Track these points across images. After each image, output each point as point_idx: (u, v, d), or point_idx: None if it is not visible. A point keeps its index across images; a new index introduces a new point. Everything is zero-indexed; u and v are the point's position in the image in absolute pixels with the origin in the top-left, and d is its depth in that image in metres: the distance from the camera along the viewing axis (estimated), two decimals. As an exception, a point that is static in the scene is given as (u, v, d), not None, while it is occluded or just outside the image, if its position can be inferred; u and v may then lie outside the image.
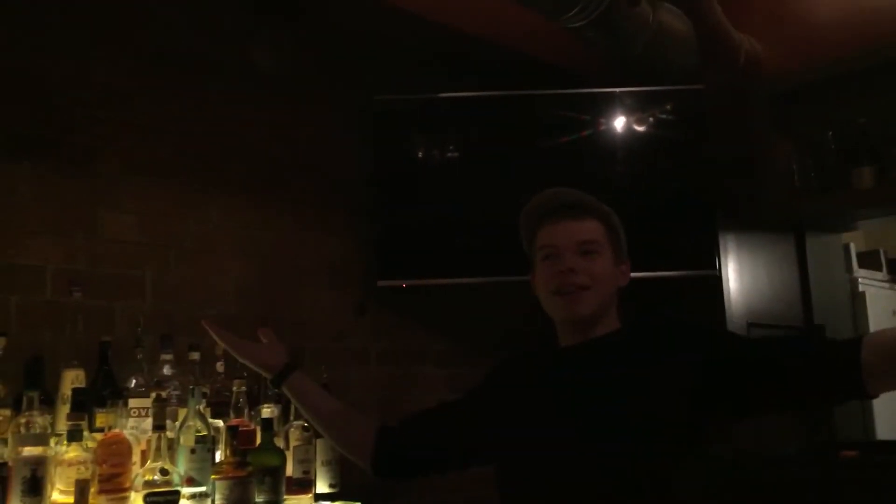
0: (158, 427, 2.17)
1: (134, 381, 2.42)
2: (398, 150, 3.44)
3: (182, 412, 2.39)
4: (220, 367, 2.61)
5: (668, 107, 3.56)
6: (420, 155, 3.51)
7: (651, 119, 3.56)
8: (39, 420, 2.07)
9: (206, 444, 2.27)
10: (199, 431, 2.29)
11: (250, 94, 3.06)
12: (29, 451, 2.00)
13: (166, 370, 2.49)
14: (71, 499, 2.00)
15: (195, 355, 2.55)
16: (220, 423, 2.41)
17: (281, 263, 3.04)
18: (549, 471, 1.60)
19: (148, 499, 2.08)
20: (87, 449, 2.07)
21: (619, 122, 3.54)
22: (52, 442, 2.11)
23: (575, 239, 1.70)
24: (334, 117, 3.28)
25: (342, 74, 3.32)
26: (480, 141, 3.51)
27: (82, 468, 2.04)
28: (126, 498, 2.09)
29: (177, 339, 2.52)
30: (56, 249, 2.52)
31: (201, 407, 2.35)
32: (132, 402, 2.30)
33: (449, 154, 3.53)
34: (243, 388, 2.54)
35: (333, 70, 3.31)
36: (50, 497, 2.02)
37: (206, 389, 2.46)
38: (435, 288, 3.28)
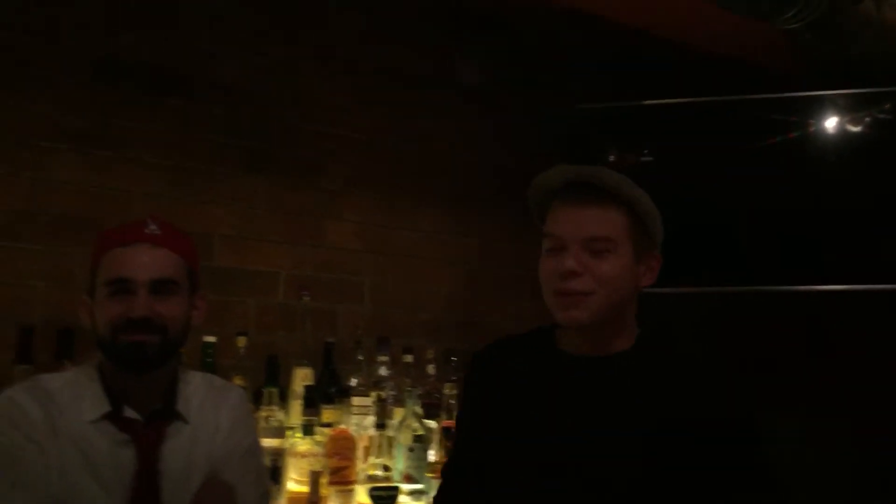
0: (381, 426, 2.32)
1: (354, 380, 2.60)
2: (597, 159, 3.44)
3: (397, 412, 2.53)
4: (430, 369, 2.75)
5: (889, 106, 3.34)
6: (617, 162, 3.50)
7: (868, 120, 3.35)
8: (279, 414, 2.26)
9: (423, 443, 2.40)
10: (416, 431, 2.42)
11: (455, 107, 3.17)
12: (269, 442, 2.19)
13: (382, 371, 2.65)
14: (305, 488, 2.17)
15: (409, 358, 2.70)
16: (433, 423, 2.53)
17: (485, 272, 3.13)
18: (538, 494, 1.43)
19: (372, 492, 2.22)
20: (318, 442, 2.24)
21: (832, 125, 3.36)
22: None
23: (584, 233, 1.41)
24: (536, 127, 3.34)
25: (542, 84, 3.37)
26: (682, 147, 3.44)
27: (313, 460, 2.21)
28: (352, 490, 2.25)
29: (392, 342, 2.68)
30: (287, 257, 2.74)
31: (417, 408, 2.48)
32: (355, 401, 2.47)
33: (647, 161, 3.50)
34: (454, 391, 2.66)
35: (534, 80, 3.36)
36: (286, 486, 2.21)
37: (419, 391, 2.58)
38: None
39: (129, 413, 1.58)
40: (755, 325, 3.22)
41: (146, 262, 1.58)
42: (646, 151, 3.59)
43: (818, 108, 3.34)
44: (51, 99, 2.41)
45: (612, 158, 3.61)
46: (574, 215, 1.43)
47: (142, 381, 1.60)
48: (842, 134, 3.34)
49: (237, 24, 2.74)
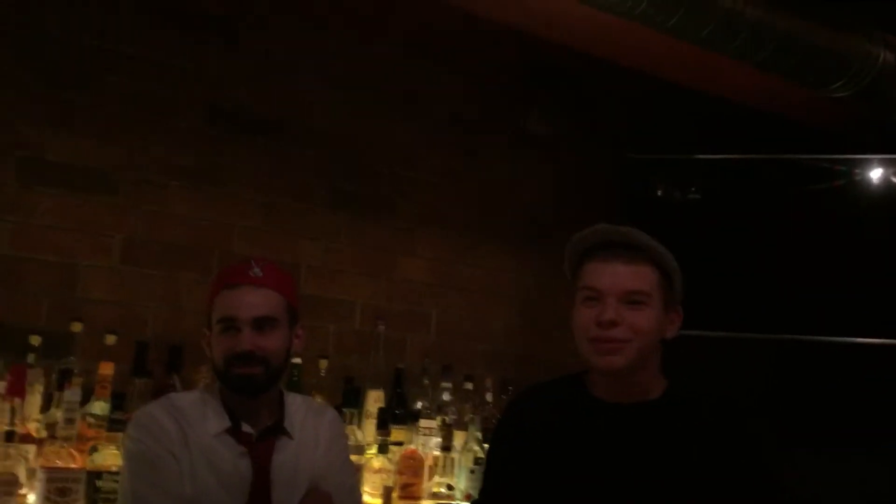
0: (446, 448, 2.57)
1: (420, 403, 2.86)
2: (648, 207, 3.67)
3: (459, 435, 2.78)
4: (489, 397, 3.00)
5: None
6: (667, 212, 3.72)
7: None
8: (358, 434, 2.53)
9: (482, 465, 2.64)
10: (476, 454, 2.67)
11: (517, 151, 3.45)
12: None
13: (445, 396, 2.90)
14: (378, 501, 2.44)
15: (469, 385, 2.96)
16: (490, 447, 2.78)
17: (542, 307, 3.38)
18: None
19: (437, 508, 2.48)
20: (390, 460, 2.50)
21: (872, 182, 3.56)
22: (362, 451, 2.57)
23: (622, 287, 1.55)
24: (592, 175, 3.58)
25: (600, 135, 3.62)
26: (728, 200, 3.66)
27: (386, 476, 2.47)
28: (419, 505, 2.51)
29: (454, 370, 2.94)
30: (364, 287, 3.03)
31: (478, 432, 2.73)
32: (422, 423, 2.73)
33: (696, 211, 3.72)
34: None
35: (592, 130, 3.61)
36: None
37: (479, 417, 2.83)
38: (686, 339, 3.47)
39: (246, 428, 1.84)
40: (793, 373, 3.41)
41: (249, 303, 1.81)
42: (693, 189, 3.82)
43: (859, 165, 3.55)
44: (165, 141, 2.72)
45: (659, 193, 3.84)
46: (612, 270, 1.57)
47: (253, 403, 1.86)
48: (883, 190, 3.53)
49: (325, 74, 3.02)
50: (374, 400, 2.76)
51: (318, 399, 2.60)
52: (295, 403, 1.96)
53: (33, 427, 2.20)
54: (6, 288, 2.42)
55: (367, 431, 2.69)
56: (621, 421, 1.59)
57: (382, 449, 2.48)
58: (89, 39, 2.57)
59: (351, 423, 2.54)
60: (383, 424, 2.56)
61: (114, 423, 2.13)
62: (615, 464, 1.56)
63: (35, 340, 2.30)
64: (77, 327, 2.40)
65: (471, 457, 2.66)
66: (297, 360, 2.66)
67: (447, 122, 3.29)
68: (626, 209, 3.61)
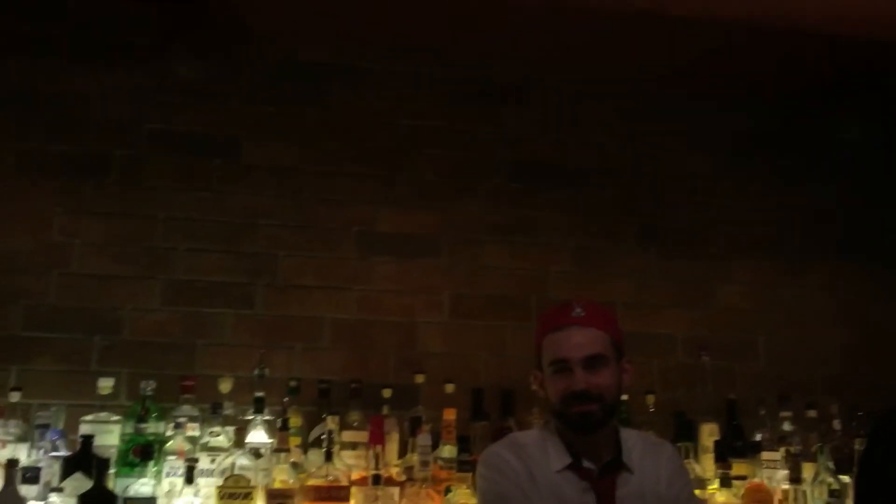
0: (795, 480, 2.42)
1: (759, 435, 2.72)
2: None
3: (806, 466, 2.59)
4: (836, 424, 2.77)
5: None
6: None
7: None
8: (696, 468, 2.48)
9: (839, 498, 2.45)
10: (831, 486, 2.47)
11: (836, 165, 3.21)
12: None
13: (786, 426, 2.73)
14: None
15: (812, 413, 2.76)
16: (846, 478, 2.56)
17: (884, 325, 3.07)
18: None
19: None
20: (735, 494, 2.40)
21: None
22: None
23: None
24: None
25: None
26: None
27: (734, 511, 2.37)
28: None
29: (793, 398, 2.76)
30: (681, 320, 2.98)
31: (830, 463, 2.53)
32: (764, 455, 2.59)
33: None
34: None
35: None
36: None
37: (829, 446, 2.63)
38: None
39: (587, 464, 1.88)
40: None
41: (577, 343, 1.86)
42: None
43: None
44: (477, 201, 2.93)
45: None
46: None
47: (591, 439, 1.90)
48: None
49: (612, 117, 3.10)
50: (709, 433, 2.68)
51: (653, 434, 2.61)
52: (631, 439, 1.96)
53: (394, 471, 2.42)
54: (360, 348, 2.73)
55: (704, 465, 2.61)
56: None
57: (725, 483, 2.39)
58: (404, 120, 2.88)
59: (687, 457, 2.49)
60: (722, 458, 2.46)
61: (462, 465, 2.29)
62: None
63: (387, 393, 2.55)
64: (420, 379, 2.62)
65: (825, 489, 2.47)
66: (625, 397, 2.67)
67: (746, 143, 3.17)
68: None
